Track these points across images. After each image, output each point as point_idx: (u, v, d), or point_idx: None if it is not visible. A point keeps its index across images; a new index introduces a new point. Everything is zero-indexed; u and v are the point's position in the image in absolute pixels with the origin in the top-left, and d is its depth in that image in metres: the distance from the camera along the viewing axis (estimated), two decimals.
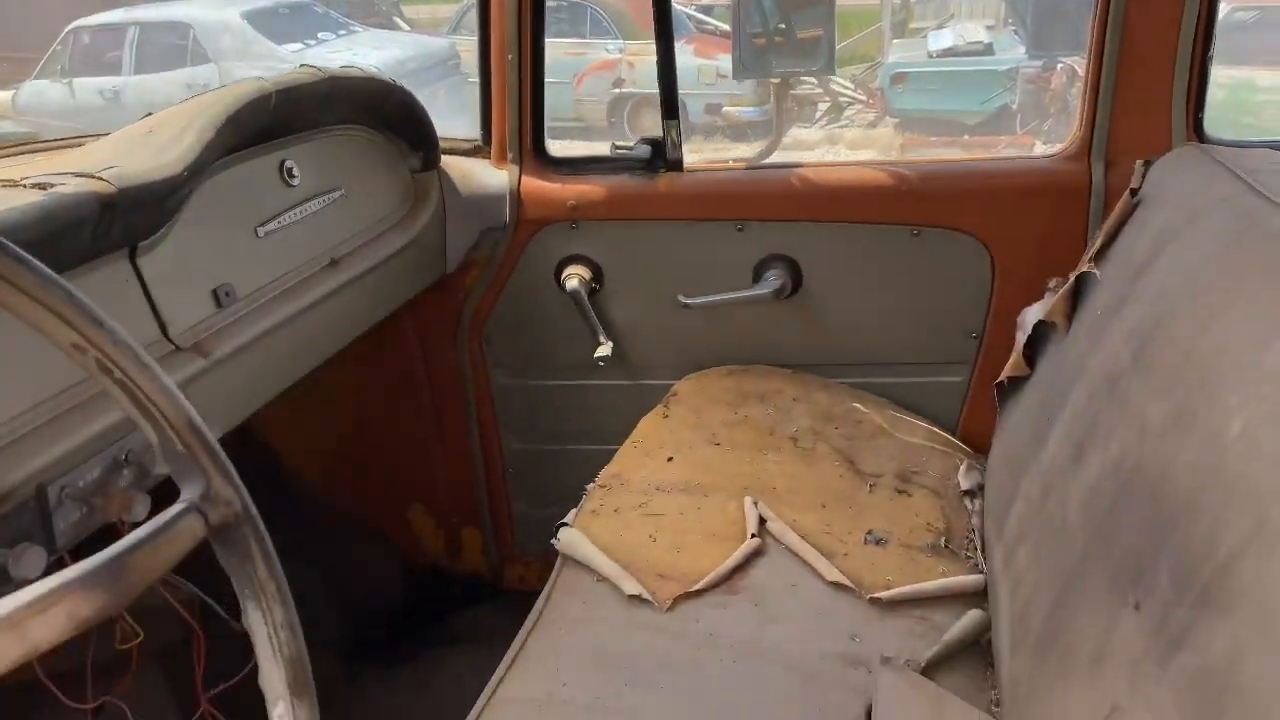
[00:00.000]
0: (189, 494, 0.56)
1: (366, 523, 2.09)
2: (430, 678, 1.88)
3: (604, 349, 1.73)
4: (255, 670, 1.27)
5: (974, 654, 1.15)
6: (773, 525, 1.31)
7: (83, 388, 0.97)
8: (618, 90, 8.12)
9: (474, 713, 1.03)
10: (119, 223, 0.99)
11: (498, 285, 1.78)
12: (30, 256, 0.50)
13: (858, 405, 1.67)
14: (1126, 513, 0.85)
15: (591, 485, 1.44)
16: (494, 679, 1.07)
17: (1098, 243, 1.28)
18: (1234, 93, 6.79)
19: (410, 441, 2.00)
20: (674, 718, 0.99)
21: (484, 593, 2.11)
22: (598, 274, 1.73)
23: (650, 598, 1.17)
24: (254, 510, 0.59)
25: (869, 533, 1.33)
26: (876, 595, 1.20)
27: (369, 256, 1.50)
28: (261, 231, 1.29)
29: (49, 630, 0.48)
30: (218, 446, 0.57)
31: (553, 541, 1.29)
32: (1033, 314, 1.38)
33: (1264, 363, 0.76)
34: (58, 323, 0.52)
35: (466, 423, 1.95)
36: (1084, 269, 1.27)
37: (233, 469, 0.58)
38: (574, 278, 1.72)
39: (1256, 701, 0.60)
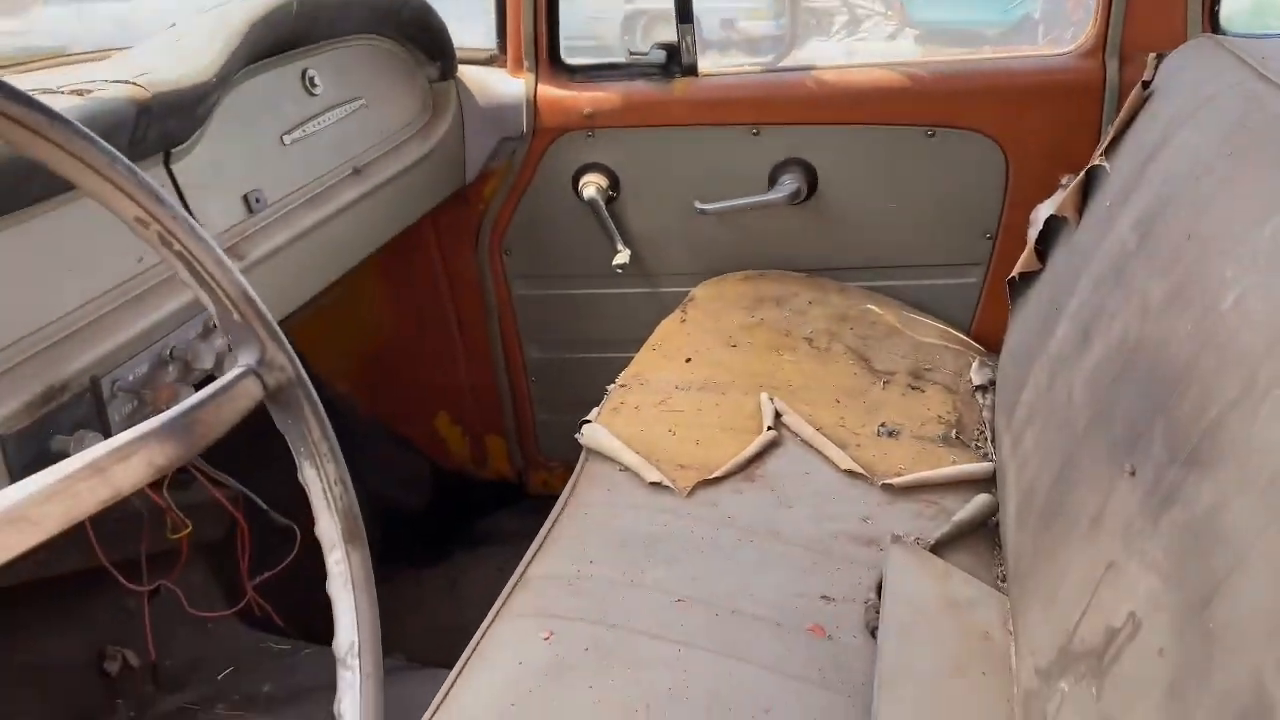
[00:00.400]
0: (246, 359, 0.61)
1: (395, 431, 2.16)
2: (459, 577, 1.96)
3: (622, 256, 1.76)
4: (295, 562, 1.35)
5: (982, 535, 1.20)
6: (788, 419, 1.36)
7: (131, 285, 1.02)
8: (630, 6, 7.98)
9: (505, 590, 1.09)
10: (154, 127, 1.03)
11: (516, 195, 1.81)
12: (98, 137, 0.54)
13: (872, 307, 1.71)
14: (1126, 386, 0.89)
15: (612, 386, 1.49)
16: (524, 560, 1.13)
17: (1109, 136, 1.30)
18: None
19: (435, 352, 2.05)
20: (695, 589, 1.05)
21: (509, 497, 2.19)
22: (615, 182, 1.76)
23: (671, 485, 1.22)
24: (305, 376, 0.64)
25: (881, 425, 1.37)
26: (889, 481, 1.25)
27: (390, 166, 1.53)
28: (287, 140, 1.32)
29: (130, 475, 0.53)
30: (270, 317, 0.62)
31: (576, 436, 1.35)
32: (1044, 210, 1.40)
33: (1260, 237, 0.79)
34: (124, 198, 0.56)
35: (488, 332, 2.00)
36: (1095, 162, 1.28)
37: (284, 338, 0.63)
38: (591, 186, 1.74)
39: (1237, 545, 0.64)
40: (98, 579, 1.24)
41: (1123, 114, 1.29)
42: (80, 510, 0.53)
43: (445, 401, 2.15)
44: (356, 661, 0.60)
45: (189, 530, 1.25)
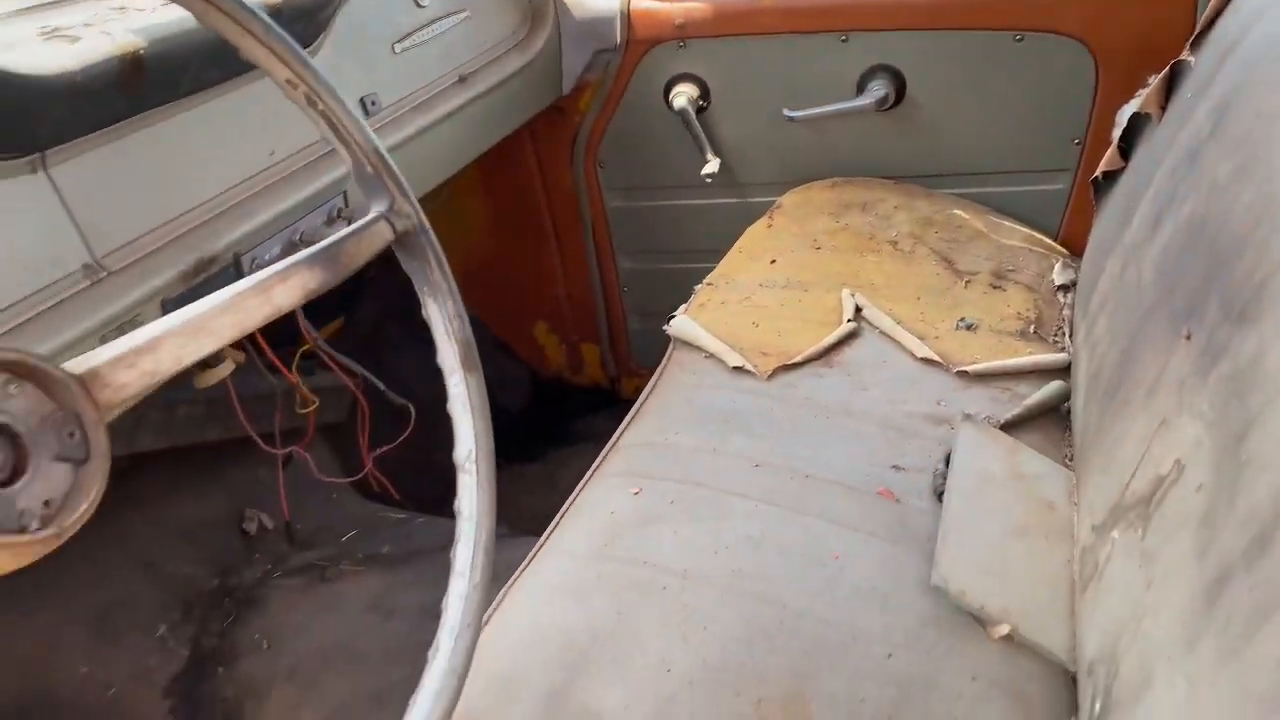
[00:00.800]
0: (378, 208, 0.71)
1: (498, 338, 2.28)
2: (557, 473, 2.09)
3: (711, 165, 1.82)
4: (410, 437, 1.47)
5: (1053, 419, 1.25)
6: (868, 312, 1.42)
7: (266, 175, 1.13)
8: None
9: (599, 458, 1.19)
10: (285, 29, 1.13)
11: (610, 107, 1.88)
12: (260, 11, 0.64)
13: (958, 212, 1.74)
14: (1189, 259, 0.93)
15: (699, 286, 1.56)
16: (616, 432, 1.23)
17: (1196, 31, 1.30)
18: None
19: (533, 263, 2.16)
20: (772, 456, 1.13)
21: (603, 402, 2.30)
22: (705, 91, 1.81)
23: (752, 369, 1.30)
24: (428, 223, 0.73)
25: (961, 319, 1.42)
26: (964, 369, 1.30)
27: (492, 75, 1.62)
28: (398, 48, 1.41)
29: (288, 295, 0.64)
30: (398, 171, 0.71)
31: (664, 327, 1.43)
32: (1129, 109, 1.41)
33: None
34: (278, 62, 0.66)
35: (584, 244, 2.09)
36: (1180, 57, 1.29)
37: (410, 191, 0.72)
38: (682, 96, 1.80)
39: (1272, 384, 0.69)
40: (238, 450, 1.39)
41: (1210, 7, 1.29)
42: (248, 323, 0.64)
43: (543, 311, 2.26)
44: (473, 466, 0.70)
45: (316, 406, 1.38)
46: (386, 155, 0.71)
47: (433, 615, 0.71)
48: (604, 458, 1.18)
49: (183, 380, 0.81)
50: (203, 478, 1.46)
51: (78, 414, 0.58)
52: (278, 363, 1.29)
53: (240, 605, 1.40)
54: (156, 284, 1.00)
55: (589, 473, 1.17)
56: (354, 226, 0.68)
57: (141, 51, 0.95)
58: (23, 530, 0.54)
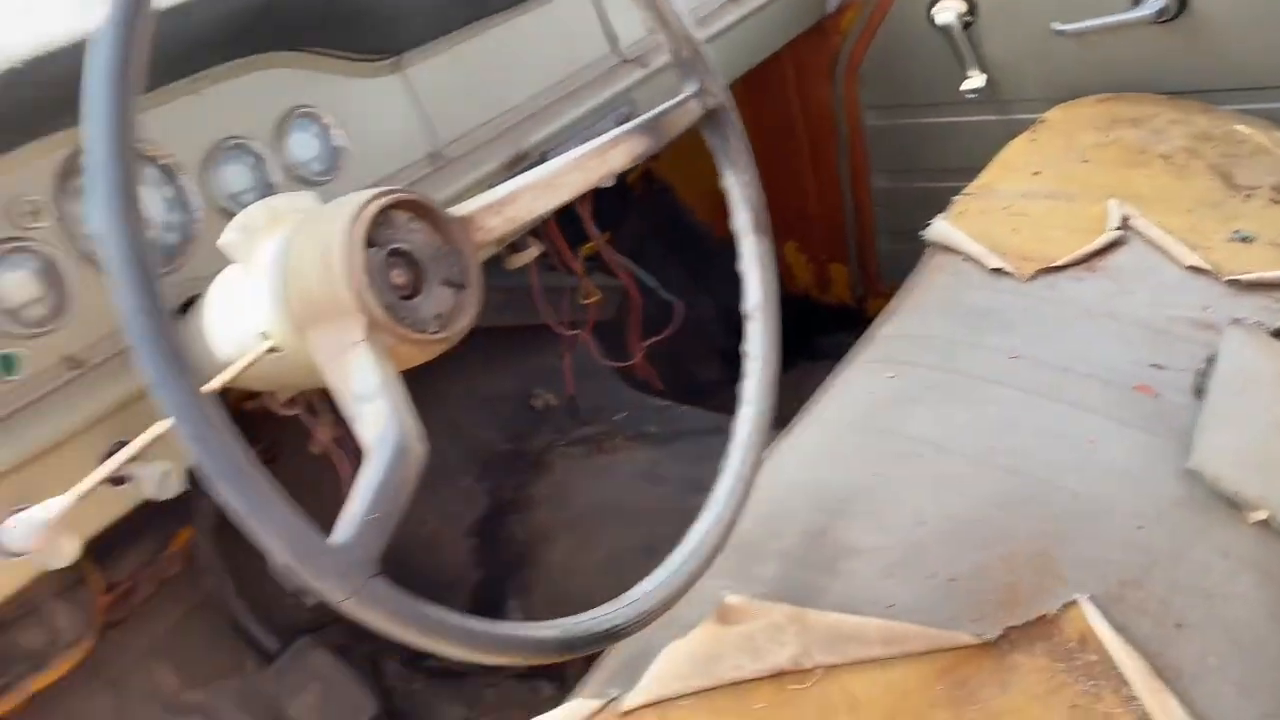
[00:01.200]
0: (688, 88, 0.83)
1: None
2: (803, 382, 2.17)
3: (973, 80, 1.83)
4: (674, 335, 1.60)
5: None
6: (1135, 221, 1.41)
7: (565, 84, 1.28)
8: None
9: (853, 349, 1.28)
10: None
11: (873, 25, 1.92)
12: None
13: (1240, 127, 1.66)
14: None
15: (957, 196, 1.60)
16: (870, 327, 1.31)
17: None
18: None
19: (785, 181, 2.23)
20: (1030, 350, 1.17)
21: (849, 322, 2.36)
22: (972, 7, 1.81)
23: (1012, 271, 1.34)
24: (732, 103, 0.84)
25: (1235, 231, 1.39)
26: (1235, 277, 1.28)
27: None
28: None
29: (619, 157, 0.77)
30: (710, 58, 0.83)
31: (921, 233, 1.48)
32: None
33: None
34: None
35: (837, 162, 2.15)
36: None
37: (719, 75, 0.83)
38: (948, 11, 1.81)
39: None
40: (527, 335, 1.58)
41: None
42: (589, 180, 0.78)
43: (793, 231, 2.34)
44: (760, 314, 0.82)
45: (598, 298, 1.54)
46: (699, 43, 0.82)
47: (696, 486, 0.83)
48: (859, 347, 1.27)
49: (492, 266, 0.97)
50: (500, 357, 1.67)
51: (459, 249, 0.73)
52: (569, 255, 1.45)
53: (530, 466, 1.60)
54: (480, 174, 1.17)
55: (843, 360, 1.26)
56: (671, 102, 0.80)
57: None
58: (423, 332, 0.70)
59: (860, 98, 2.02)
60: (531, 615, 1.49)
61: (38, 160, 0.82)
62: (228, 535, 1.38)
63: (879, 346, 1.25)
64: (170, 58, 0.87)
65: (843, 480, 1.03)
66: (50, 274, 0.82)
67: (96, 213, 0.54)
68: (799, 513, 0.99)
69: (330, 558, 0.54)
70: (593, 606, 0.67)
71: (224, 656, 1.36)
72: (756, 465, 0.78)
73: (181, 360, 0.53)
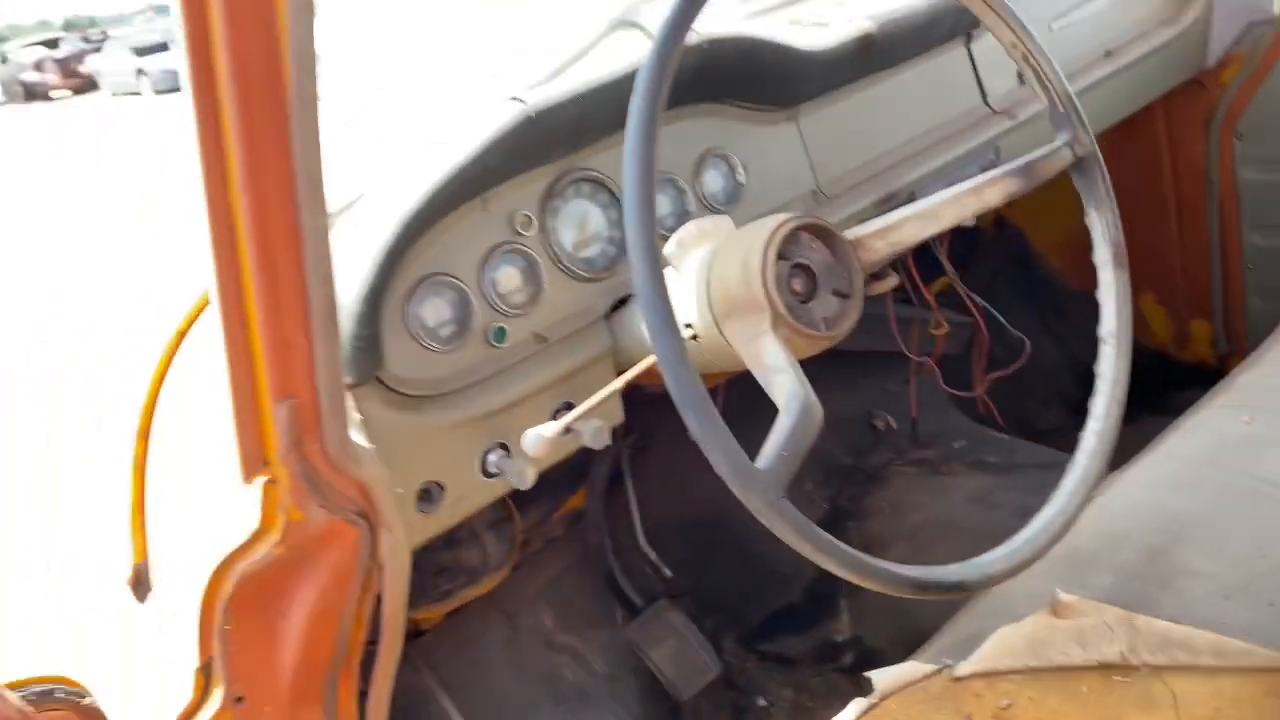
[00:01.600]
0: (1062, 138, 0.95)
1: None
2: (1147, 433, 2.13)
3: None
4: (1020, 372, 1.67)
5: None
6: None
7: (939, 129, 1.42)
8: None
9: (1208, 393, 1.30)
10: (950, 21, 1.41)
11: (1257, 80, 1.88)
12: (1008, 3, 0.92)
13: None
14: None
15: None
16: (1229, 374, 1.32)
17: None
18: None
19: (1148, 232, 2.20)
20: None
21: (1208, 380, 2.27)
22: None
23: None
24: (1098, 152, 0.95)
25: None
26: None
27: (1137, 48, 1.74)
28: (1055, 25, 1.62)
29: (994, 194, 0.91)
30: (1082, 110, 0.94)
31: None
32: None
33: None
34: (1005, 28, 0.93)
35: (1207, 216, 2.09)
36: None
37: (1089, 128, 0.95)
38: None
39: None
40: (871, 361, 1.71)
41: None
42: (964, 213, 0.92)
43: (1153, 282, 2.29)
44: (1113, 339, 0.91)
45: (946, 330, 1.65)
46: (1075, 98, 0.94)
47: (1031, 514, 0.89)
48: (1215, 392, 1.29)
49: None
50: (847, 378, 1.82)
51: (848, 266, 0.90)
52: (924, 289, 1.58)
53: (868, 480, 1.74)
54: (855, 209, 1.34)
55: (1196, 403, 1.29)
56: (1046, 149, 0.93)
57: (873, 32, 1.29)
58: (814, 330, 0.88)
59: (1236, 150, 1.97)
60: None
61: (533, 184, 1.09)
62: (613, 502, 1.64)
63: (1237, 392, 1.27)
64: None
65: (1186, 507, 1.08)
66: (531, 270, 1.09)
67: (630, 211, 0.78)
68: (1138, 532, 1.06)
69: (756, 477, 0.72)
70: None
71: (598, 606, 1.61)
72: (1100, 473, 0.87)
73: (673, 322, 0.74)
